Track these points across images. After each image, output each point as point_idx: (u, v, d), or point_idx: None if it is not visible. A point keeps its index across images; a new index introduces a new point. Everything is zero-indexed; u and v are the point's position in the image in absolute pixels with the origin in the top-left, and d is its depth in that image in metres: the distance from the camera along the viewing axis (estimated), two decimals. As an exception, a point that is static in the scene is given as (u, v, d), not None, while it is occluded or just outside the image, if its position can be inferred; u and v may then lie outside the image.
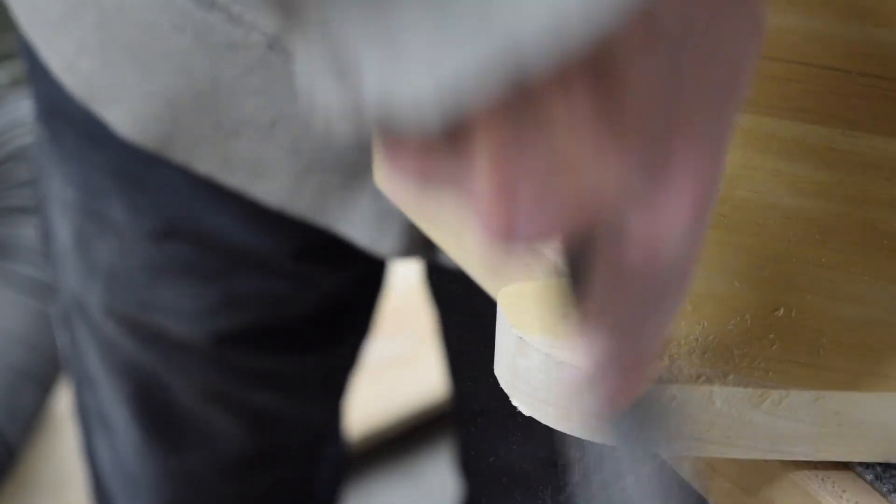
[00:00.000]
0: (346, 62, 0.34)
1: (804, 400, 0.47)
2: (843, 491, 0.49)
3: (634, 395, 0.43)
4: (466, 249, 0.59)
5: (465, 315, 0.85)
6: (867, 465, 0.49)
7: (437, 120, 0.34)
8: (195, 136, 0.75)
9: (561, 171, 0.35)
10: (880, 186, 0.54)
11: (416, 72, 0.33)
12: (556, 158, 0.35)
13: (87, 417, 0.97)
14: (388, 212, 0.74)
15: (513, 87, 0.33)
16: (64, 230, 0.86)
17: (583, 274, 0.40)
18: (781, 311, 0.49)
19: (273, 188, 0.76)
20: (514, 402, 0.47)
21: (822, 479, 0.49)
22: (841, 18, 0.61)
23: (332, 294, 0.89)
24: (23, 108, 1.54)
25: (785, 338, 0.48)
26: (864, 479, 0.49)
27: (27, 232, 1.49)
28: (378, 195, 0.74)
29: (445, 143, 0.35)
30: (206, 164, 0.76)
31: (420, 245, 0.75)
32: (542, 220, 0.36)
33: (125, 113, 0.76)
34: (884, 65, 0.59)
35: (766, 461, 0.50)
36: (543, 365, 0.46)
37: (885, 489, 0.49)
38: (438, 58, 0.33)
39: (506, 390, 0.47)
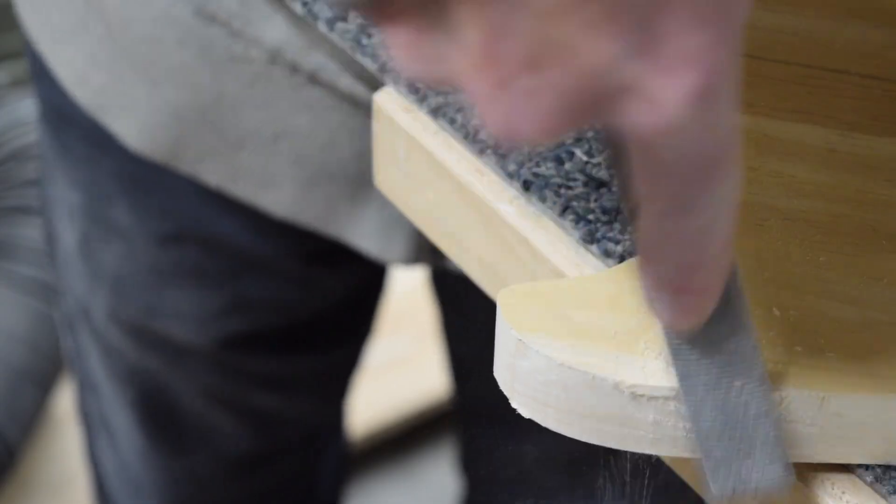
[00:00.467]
0: None
1: (804, 401, 0.47)
2: (843, 492, 0.49)
3: (704, 306, 0.42)
4: (468, 252, 0.59)
5: (468, 316, 0.85)
6: (867, 467, 0.49)
7: None
8: (201, 148, 0.76)
9: (549, 52, 0.34)
10: (880, 187, 0.54)
11: None
12: (543, 38, 0.34)
13: (90, 421, 0.98)
14: (395, 220, 0.74)
15: None
16: (69, 234, 0.86)
17: (625, 169, 0.38)
18: (781, 312, 0.49)
19: (280, 199, 0.76)
20: (514, 404, 0.47)
21: (822, 481, 0.49)
22: (840, 19, 0.61)
23: (337, 296, 0.89)
24: (23, 108, 1.54)
25: (785, 339, 0.48)
26: (865, 481, 0.49)
27: (27, 232, 1.49)
28: (384, 204, 0.75)
29: (432, 13, 0.34)
30: (213, 175, 0.77)
31: (427, 252, 0.76)
32: (537, 76, 0.34)
33: (133, 125, 0.76)
34: (883, 66, 0.59)
35: (765, 462, 0.50)
36: (543, 366, 0.46)
37: (885, 491, 0.49)
38: None
39: (505, 392, 0.47)
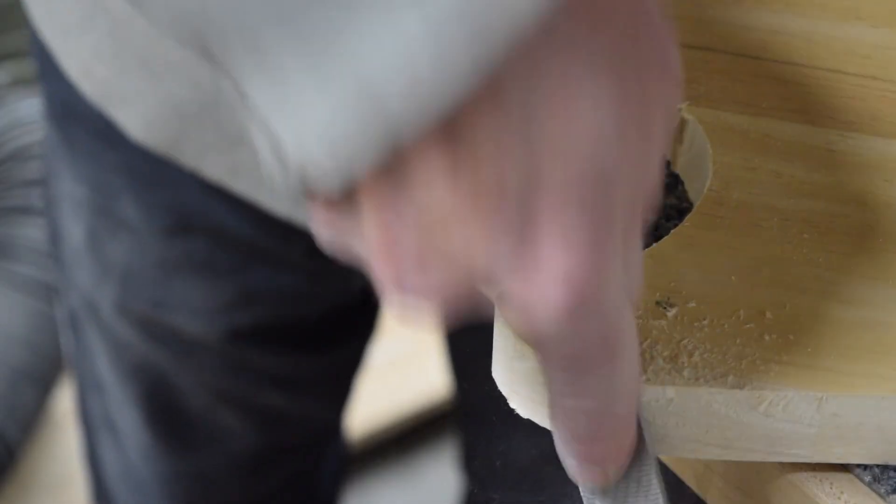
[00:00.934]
0: (262, 117, 0.37)
1: (802, 402, 0.47)
2: (842, 492, 0.49)
3: (605, 470, 0.43)
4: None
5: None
6: (865, 467, 0.49)
7: (331, 178, 0.36)
8: (203, 142, 0.76)
9: (433, 232, 0.37)
10: (878, 187, 0.54)
11: (306, 129, 0.36)
12: (428, 220, 0.37)
13: (92, 422, 0.97)
14: None
15: (384, 149, 0.35)
16: (76, 230, 0.86)
17: None
18: (780, 312, 0.49)
19: (278, 198, 0.77)
20: (512, 405, 0.47)
21: (821, 481, 0.49)
22: (839, 20, 0.61)
23: (342, 291, 0.89)
24: (23, 108, 1.54)
25: (783, 339, 0.48)
26: (863, 481, 0.49)
27: (27, 232, 1.49)
28: None
29: (345, 202, 0.38)
30: (214, 169, 0.77)
31: None
32: (425, 277, 0.38)
33: (137, 118, 0.77)
34: (882, 66, 0.59)
35: (764, 463, 0.50)
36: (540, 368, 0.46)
37: (882, 490, 0.49)
38: (321, 115, 0.35)
39: (503, 393, 0.47)
